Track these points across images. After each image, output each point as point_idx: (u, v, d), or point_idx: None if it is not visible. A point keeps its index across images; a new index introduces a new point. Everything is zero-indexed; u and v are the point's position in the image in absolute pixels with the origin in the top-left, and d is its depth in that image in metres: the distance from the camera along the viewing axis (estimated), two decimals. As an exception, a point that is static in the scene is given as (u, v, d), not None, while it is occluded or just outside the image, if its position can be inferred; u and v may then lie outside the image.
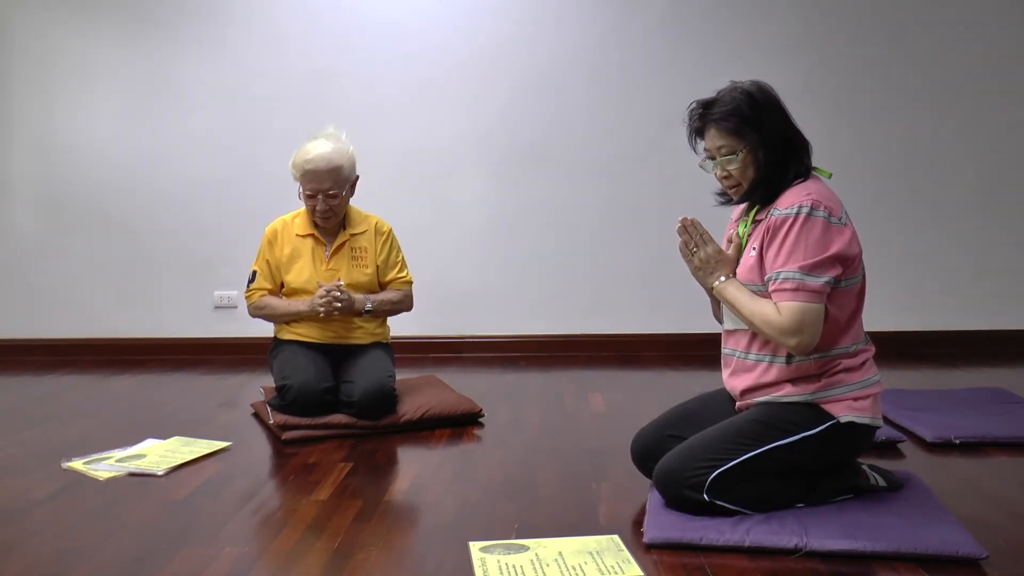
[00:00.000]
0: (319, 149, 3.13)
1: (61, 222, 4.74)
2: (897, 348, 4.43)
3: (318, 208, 3.17)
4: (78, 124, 4.69)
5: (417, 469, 2.67)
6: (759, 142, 2.17)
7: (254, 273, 3.30)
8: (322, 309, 3.09)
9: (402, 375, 3.36)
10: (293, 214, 3.34)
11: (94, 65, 4.66)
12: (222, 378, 4.15)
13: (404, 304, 3.35)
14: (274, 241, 3.28)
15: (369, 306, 3.21)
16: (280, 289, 3.30)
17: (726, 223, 2.42)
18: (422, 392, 3.34)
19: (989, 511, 2.22)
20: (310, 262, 3.25)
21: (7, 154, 4.73)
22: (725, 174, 2.23)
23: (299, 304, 3.20)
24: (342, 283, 3.14)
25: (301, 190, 3.19)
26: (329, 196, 3.15)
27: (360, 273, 3.26)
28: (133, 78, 4.66)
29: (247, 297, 3.31)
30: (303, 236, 3.27)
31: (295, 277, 3.24)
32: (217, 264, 4.70)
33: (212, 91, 4.64)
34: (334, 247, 3.26)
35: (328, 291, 3.09)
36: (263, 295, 3.28)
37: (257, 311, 3.29)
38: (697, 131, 2.26)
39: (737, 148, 2.18)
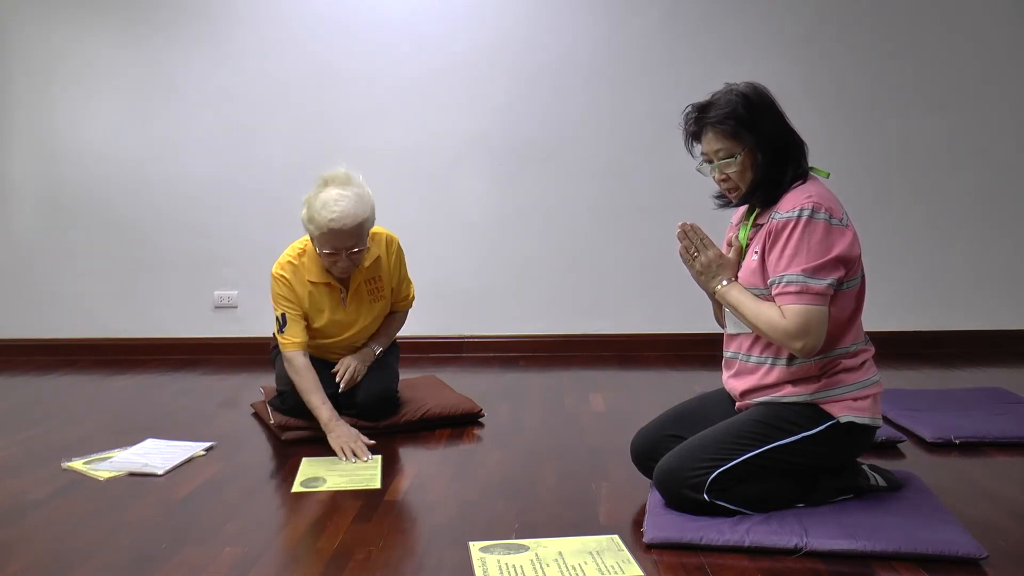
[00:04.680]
0: (341, 204, 2.77)
1: (62, 222, 4.75)
2: (897, 348, 4.43)
3: (340, 265, 2.88)
4: (79, 124, 4.70)
5: (417, 469, 2.67)
6: (756, 144, 2.16)
7: (283, 316, 2.95)
8: (342, 457, 2.76)
9: (402, 375, 3.35)
10: (296, 252, 3.01)
11: (96, 66, 4.66)
12: (222, 378, 4.15)
13: (402, 324, 3.30)
14: (290, 287, 2.97)
15: (379, 351, 3.16)
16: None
17: (726, 224, 2.42)
18: (422, 392, 3.34)
19: (989, 511, 2.22)
20: (328, 308, 3.02)
21: (8, 154, 4.73)
22: (723, 177, 2.22)
23: (320, 411, 2.86)
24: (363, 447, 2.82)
25: (318, 248, 2.87)
26: (353, 253, 2.87)
27: (378, 307, 3.12)
28: (134, 79, 4.66)
29: (282, 344, 2.97)
30: (316, 283, 2.99)
31: (314, 321, 3.03)
32: (217, 264, 4.70)
33: (212, 91, 4.64)
34: (351, 291, 3.04)
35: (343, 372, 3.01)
36: (298, 347, 2.95)
37: (289, 367, 2.95)
38: (693, 135, 2.25)
39: (735, 151, 2.17)
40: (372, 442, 2.85)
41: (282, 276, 2.97)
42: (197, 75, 4.64)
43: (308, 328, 3.01)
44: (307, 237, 2.98)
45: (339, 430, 2.84)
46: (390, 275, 3.11)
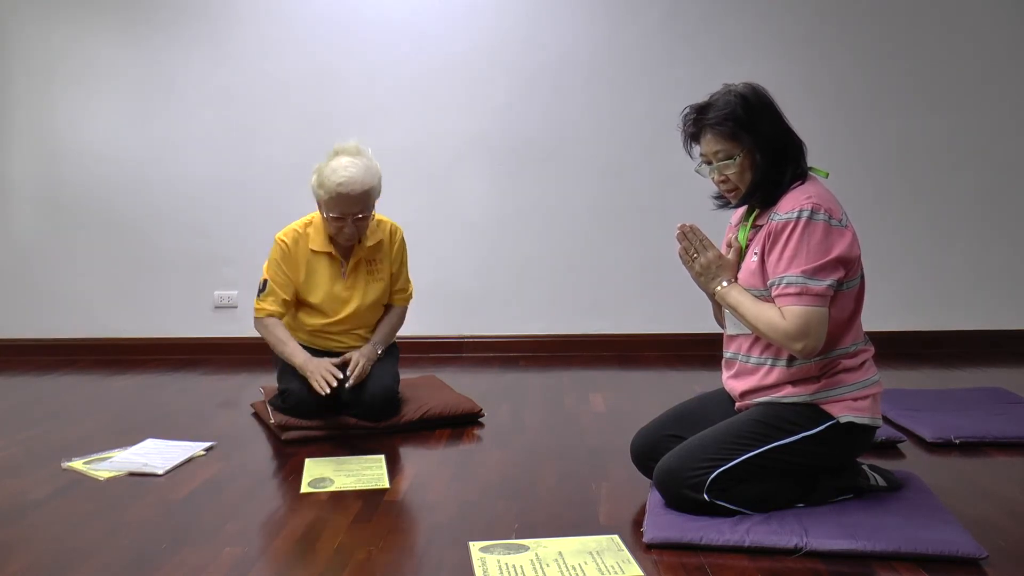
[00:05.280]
0: (350, 171, 2.91)
1: (62, 222, 4.75)
2: (897, 348, 4.43)
3: (345, 231, 2.99)
4: (79, 124, 4.70)
5: (417, 469, 2.67)
6: (756, 145, 2.16)
7: (265, 282, 3.08)
8: (321, 391, 2.88)
9: (402, 375, 3.35)
10: (304, 223, 3.14)
11: (96, 66, 4.66)
12: (222, 378, 4.15)
13: (401, 322, 3.32)
14: (288, 254, 3.08)
15: (380, 351, 3.17)
16: (293, 299, 3.16)
17: (725, 225, 2.42)
18: (422, 392, 3.34)
19: (989, 511, 2.22)
20: (327, 279, 3.11)
21: (8, 154, 4.73)
22: (723, 178, 2.22)
23: (295, 356, 2.99)
24: (350, 380, 2.95)
25: (325, 213, 2.99)
26: (359, 220, 2.99)
27: (376, 288, 3.17)
28: (134, 79, 4.66)
29: (256, 309, 3.11)
30: (319, 253, 3.10)
31: (311, 294, 3.11)
32: (217, 264, 4.70)
33: (212, 91, 4.64)
34: (351, 265, 3.13)
35: (335, 376, 2.92)
36: (270, 314, 3.08)
37: (260, 327, 3.10)
38: (692, 136, 2.24)
39: (734, 152, 2.17)
40: (339, 368, 2.93)
41: (283, 241, 3.09)
42: (197, 75, 4.64)
43: (307, 305, 3.12)
44: (316, 212, 3.10)
45: (312, 364, 2.94)
46: (391, 261, 3.20)
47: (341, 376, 2.91)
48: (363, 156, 3.00)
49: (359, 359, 3.06)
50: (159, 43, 4.63)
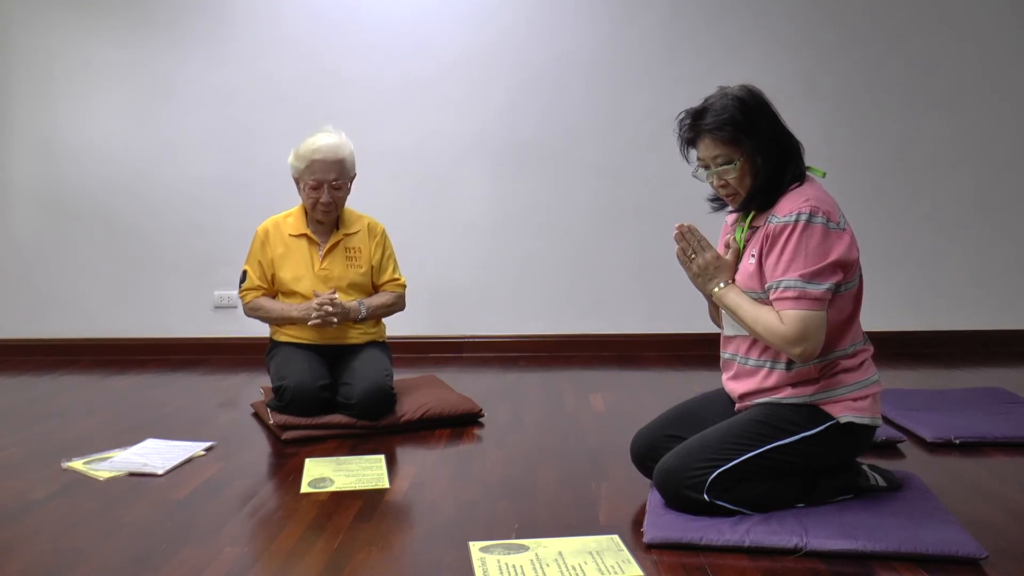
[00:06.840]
0: (325, 140, 3.16)
1: (62, 222, 4.75)
2: (897, 348, 4.43)
3: (322, 200, 3.15)
4: (79, 124, 4.70)
5: (417, 469, 2.67)
6: (755, 148, 2.14)
7: (244, 273, 3.27)
8: (317, 320, 3.07)
9: (402, 375, 3.36)
10: (285, 214, 3.33)
11: (95, 66, 4.66)
12: (222, 378, 4.15)
13: (397, 306, 3.36)
14: (266, 241, 3.25)
15: (364, 313, 3.21)
16: (273, 287, 3.28)
17: (722, 225, 2.41)
18: (422, 392, 3.34)
19: (989, 511, 2.22)
20: (303, 262, 3.23)
21: (8, 154, 4.74)
22: (723, 183, 2.21)
23: (291, 309, 3.18)
24: (336, 296, 3.12)
25: (303, 184, 3.17)
26: (334, 187, 3.16)
27: (355, 272, 3.26)
28: (134, 79, 4.66)
29: (241, 297, 3.30)
30: (296, 236, 3.25)
31: (289, 277, 3.22)
32: (217, 264, 4.70)
33: (212, 91, 4.65)
34: (327, 247, 3.25)
35: (321, 304, 3.07)
36: (257, 296, 3.25)
37: (252, 312, 3.28)
38: (689, 141, 2.23)
39: (734, 157, 2.16)
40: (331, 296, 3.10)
41: (263, 230, 3.27)
42: (197, 75, 4.64)
43: (289, 292, 3.22)
44: (299, 206, 3.29)
45: (305, 305, 3.13)
46: (370, 253, 3.31)
47: (327, 302, 3.07)
48: (337, 133, 3.22)
49: (338, 299, 3.13)
50: (159, 43, 4.63)
